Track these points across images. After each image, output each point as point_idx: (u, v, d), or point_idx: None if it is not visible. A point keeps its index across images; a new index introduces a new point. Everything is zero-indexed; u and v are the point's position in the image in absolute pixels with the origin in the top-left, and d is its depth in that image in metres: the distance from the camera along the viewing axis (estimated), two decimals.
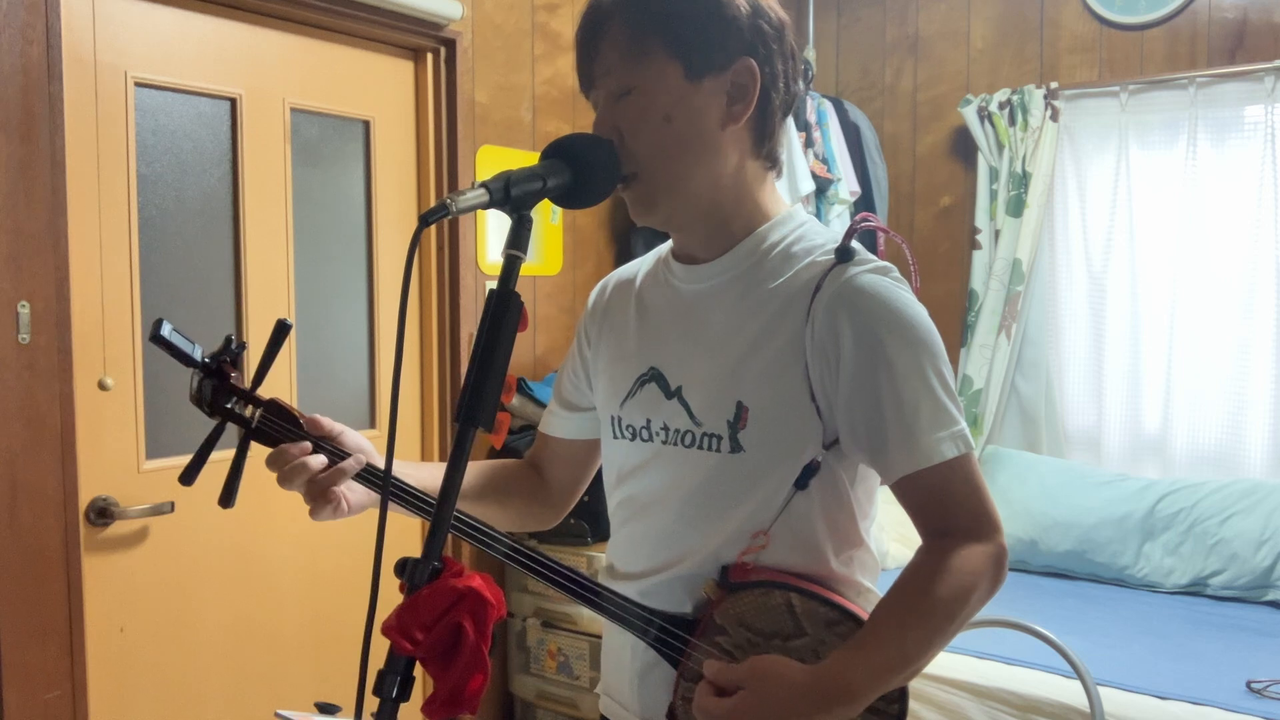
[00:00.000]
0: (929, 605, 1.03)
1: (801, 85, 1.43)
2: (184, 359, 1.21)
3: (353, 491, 1.21)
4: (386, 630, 0.85)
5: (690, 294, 1.20)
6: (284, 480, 1.18)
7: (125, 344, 2.22)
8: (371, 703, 0.86)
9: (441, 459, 2.89)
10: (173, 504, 2.28)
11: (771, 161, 1.20)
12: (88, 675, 2.13)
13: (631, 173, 1.12)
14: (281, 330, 1.19)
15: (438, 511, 0.89)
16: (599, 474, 1.36)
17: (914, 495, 1.08)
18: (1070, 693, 2.33)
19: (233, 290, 2.45)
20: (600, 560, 2.90)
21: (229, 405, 1.22)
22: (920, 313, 1.09)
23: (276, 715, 1.34)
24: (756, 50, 1.13)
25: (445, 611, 0.86)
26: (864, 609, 1.11)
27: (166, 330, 1.18)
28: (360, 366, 2.77)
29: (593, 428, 1.34)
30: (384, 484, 0.96)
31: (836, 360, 1.07)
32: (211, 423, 1.23)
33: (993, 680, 2.46)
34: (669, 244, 1.27)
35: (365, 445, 1.23)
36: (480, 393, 0.90)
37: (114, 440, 2.21)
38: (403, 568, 0.89)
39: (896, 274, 1.11)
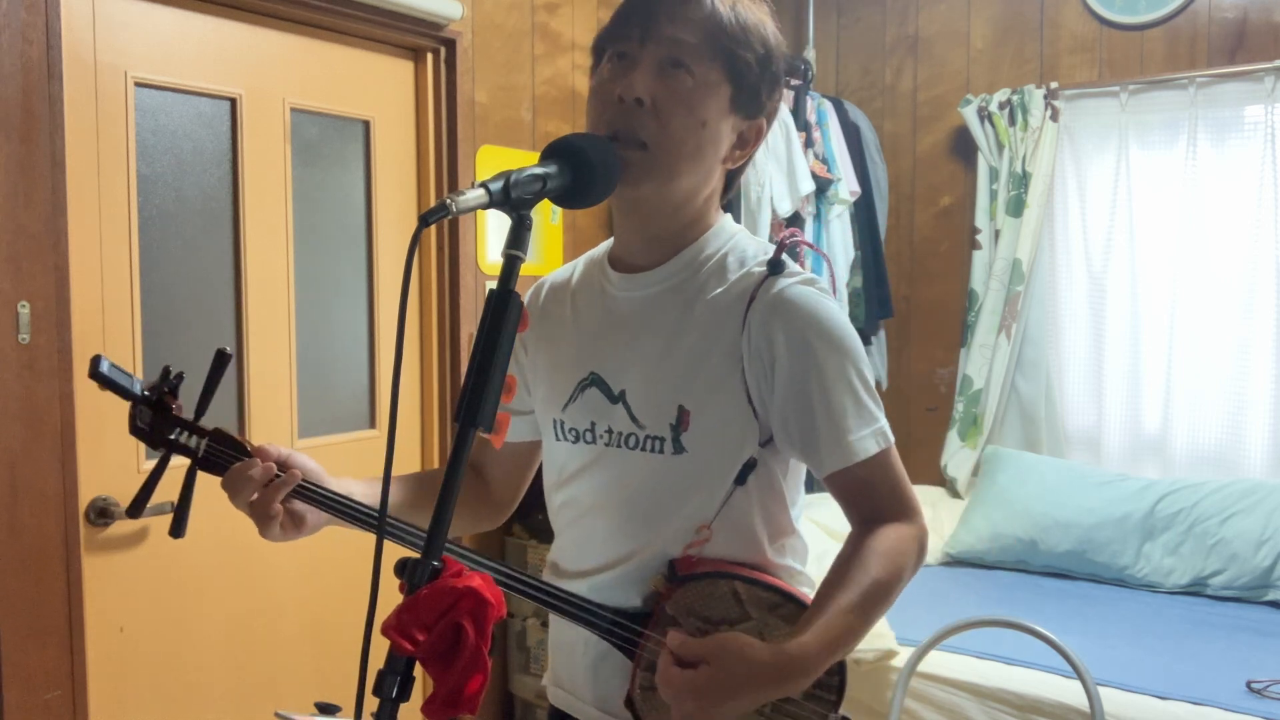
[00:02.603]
0: (869, 584, 1.10)
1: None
2: (123, 393, 1.24)
3: (312, 513, 1.25)
4: (386, 630, 0.85)
5: (628, 301, 1.25)
6: (231, 496, 1.23)
7: (125, 344, 2.22)
8: (371, 703, 0.86)
9: (441, 460, 2.89)
10: (173, 504, 2.27)
11: (725, 206, 1.30)
12: (88, 675, 2.13)
13: (641, 142, 1.14)
14: (221, 360, 1.23)
15: (437, 512, 0.89)
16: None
17: (844, 488, 1.17)
18: (1070, 693, 2.33)
19: (233, 290, 2.45)
20: None
21: (172, 436, 1.26)
22: (844, 320, 1.19)
23: (276, 715, 1.34)
24: (769, 119, 1.24)
25: (445, 612, 0.86)
26: (801, 590, 1.20)
27: (105, 366, 1.22)
28: (360, 366, 2.77)
29: (531, 430, 1.38)
30: (384, 485, 0.96)
31: (771, 365, 1.15)
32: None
33: (993, 680, 2.46)
34: (603, 249, 1.32)
35: (312, 466, 1.26)
36: (480, 393, 0.91)
37: (114, 440, 2.21)
38: (402, 568, 0.89)
39: (822, 284, 1.20)
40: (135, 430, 1.27)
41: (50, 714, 2.05)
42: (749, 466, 1.18)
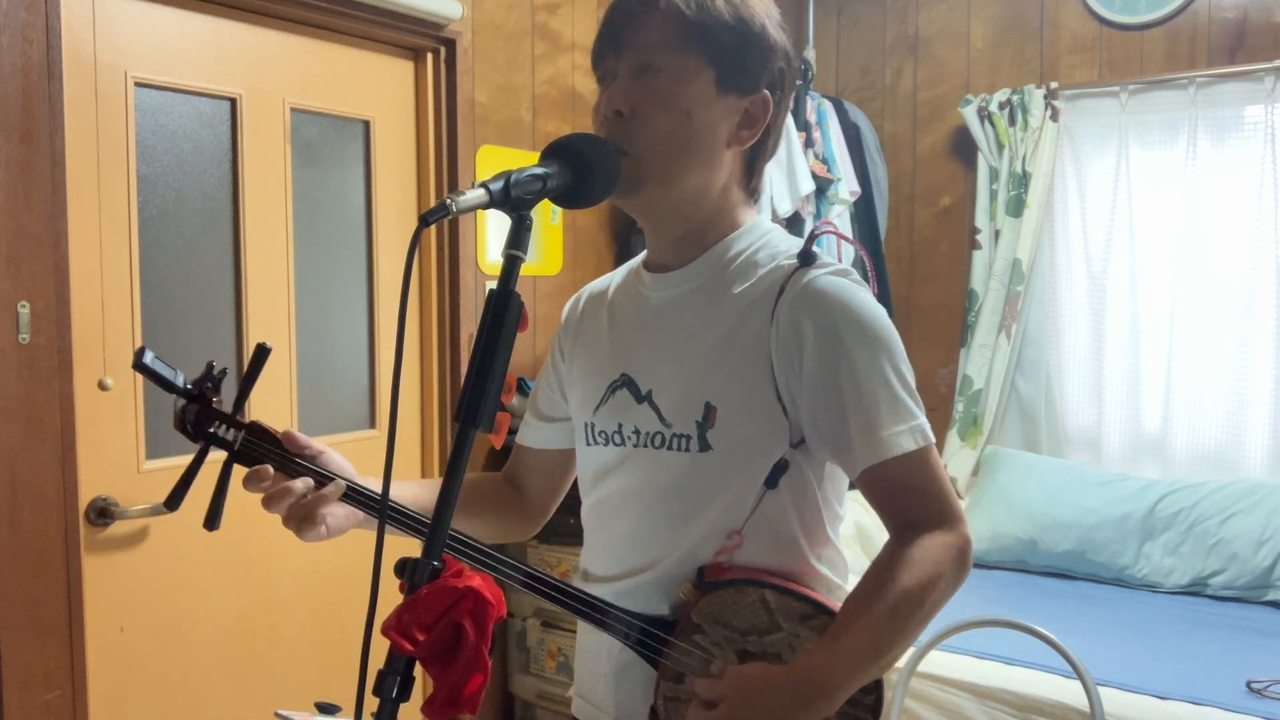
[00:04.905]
0: (896, 595, 1.04)
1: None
2: (166, 385, 1.22)
3: (333, 515, 1.21)
4: (386, 630, 0.85)
5: (658, 301, 1.23)
6: (267, 504, 1.19)
7: (125, 344, 2.22)
8: (371, 703, 0.86)
9: (442, 459, 2.89)
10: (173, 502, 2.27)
11: (752, 194, 1.25)
12: (88, 675, 2.13)
13: (625, 151, 1.13)
14: (261, 354, 1.20)
15: (437, 512, 0.89)
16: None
17: (877, 489, 1.11)
18: (1070, 693, 2.33)
19: (233, 290, 2.45)
20: None
21: (211, 430, 1.24)
22: (879, 312, 1.13)
23: (276, 715, 1.34)
24: (775, 89, 1.19)
25: (445, 611, 0.86)
26: (837, 603, 1.13)
27: (149, 358, 1.20)
28: (360, 366, 2.77)
29: (567, 438, 1.36)
30: (384, 485, 0.96)
31: (800, 359, 1.11)
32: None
33: (993, 680, 2.46)
34: (642, 255, 1.30)
35: (345, 465, 1.23)
36: (480, 393, 0.91)
37: (114, 440, 2.21)
38: (403, 567, 0.89)
39: (856, 276, 1.15)
40: (179, 425, 1.25)
41: (50, 714, 2.05)
42: (780, 468, 1.13)
